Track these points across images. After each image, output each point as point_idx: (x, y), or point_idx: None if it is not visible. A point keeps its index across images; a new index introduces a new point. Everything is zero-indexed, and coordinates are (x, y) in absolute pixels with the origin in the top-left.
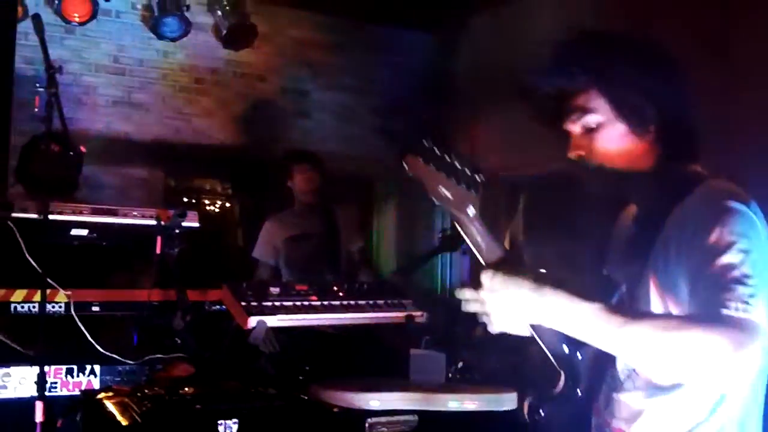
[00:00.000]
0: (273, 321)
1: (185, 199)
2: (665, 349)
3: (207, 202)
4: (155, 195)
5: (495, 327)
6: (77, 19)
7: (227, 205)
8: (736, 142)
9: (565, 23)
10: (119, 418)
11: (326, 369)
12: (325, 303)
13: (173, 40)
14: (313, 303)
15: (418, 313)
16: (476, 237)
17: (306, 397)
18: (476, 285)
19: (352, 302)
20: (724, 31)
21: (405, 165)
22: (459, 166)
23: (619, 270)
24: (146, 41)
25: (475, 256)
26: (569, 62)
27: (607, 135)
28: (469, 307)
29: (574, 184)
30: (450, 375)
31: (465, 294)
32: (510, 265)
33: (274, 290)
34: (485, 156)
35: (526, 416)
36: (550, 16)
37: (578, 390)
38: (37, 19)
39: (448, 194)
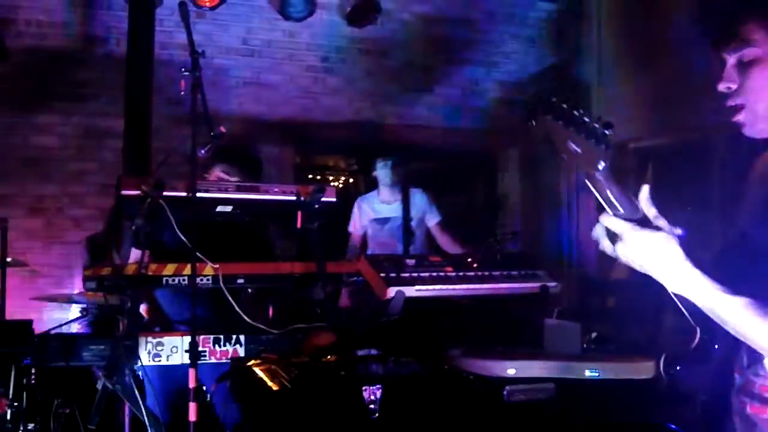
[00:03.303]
0: (411, 291)
1: (310, 176)
2: None
3: (331, 178)
4: (286, 172)
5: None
6: (208, 4)
7: (350, 180)
8: None
9: None
10: (269, 383)
11: (461, 339)
12: (460, 274)
13: (299, 20)
14: (449, 274)
15: (553, 284)
16: (607, 193)
17: (445, 365)
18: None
19: (486, 273)
20: None
21: (533, 123)
22: (588, 121)
23: (758, 228)
24: (273, 22)
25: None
26: None
27: (762, 72)
28: (605, 249)
29: (706, 151)
30: (585, 346)
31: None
32: (653, 229)
33: (411, 262)
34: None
35: (662, 371)
36: None
37: (715, 346)
38: (183, 6)
39: (578, 149)
